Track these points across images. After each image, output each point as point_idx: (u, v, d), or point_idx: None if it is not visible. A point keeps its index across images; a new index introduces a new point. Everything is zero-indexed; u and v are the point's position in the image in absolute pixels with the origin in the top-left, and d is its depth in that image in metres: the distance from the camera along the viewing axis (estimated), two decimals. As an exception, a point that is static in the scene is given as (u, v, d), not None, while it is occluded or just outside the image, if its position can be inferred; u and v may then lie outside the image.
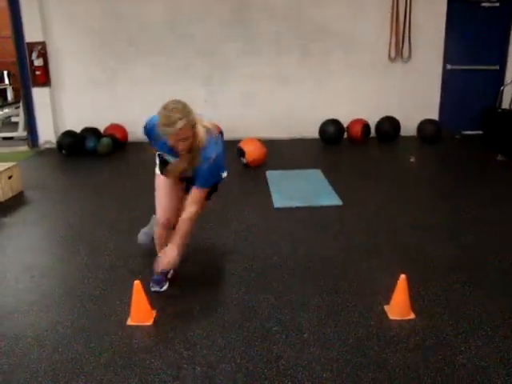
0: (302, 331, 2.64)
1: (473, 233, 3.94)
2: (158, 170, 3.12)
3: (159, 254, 2.94)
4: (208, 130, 2.80)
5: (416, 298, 2.85)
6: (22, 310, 2.94)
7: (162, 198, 3.11)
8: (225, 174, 3.07)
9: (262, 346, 2.53)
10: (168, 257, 2.84)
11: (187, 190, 2.97)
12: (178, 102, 2.66)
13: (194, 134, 2.70)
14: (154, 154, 3.12)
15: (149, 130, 2.95)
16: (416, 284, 3.02)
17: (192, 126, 2.66)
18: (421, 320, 2.72)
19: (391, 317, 2.75)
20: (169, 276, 3.18)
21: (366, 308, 2.85)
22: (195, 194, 2.85)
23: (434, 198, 5.01)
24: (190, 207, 2.84)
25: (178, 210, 3.03)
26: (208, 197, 3.04)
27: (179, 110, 2.61)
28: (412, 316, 2.74)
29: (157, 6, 7.47)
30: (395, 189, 5.25)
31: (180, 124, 2.58)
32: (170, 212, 3.08)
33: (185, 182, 3.08)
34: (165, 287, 3.12)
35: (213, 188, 3.05)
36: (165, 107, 2.64)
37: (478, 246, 3.69)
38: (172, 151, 2.84)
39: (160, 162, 3.08)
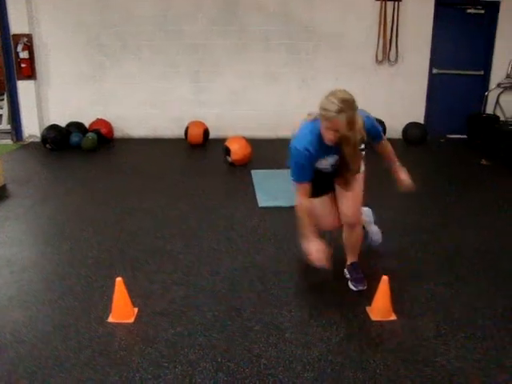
0: (284, 331, 2.65)
1: (457, 236, 3.97)
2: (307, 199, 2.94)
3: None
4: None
5: (398, 300, 2.86)
6: (0, 306, 2.90)
7: (326, 216, 3.11)
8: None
9: (243, 345, 2.52)
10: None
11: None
12: (343, 92, 2.65)
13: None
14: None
15: (306, 153, 2.73)
16: (398, 286, 3.04)
17: (351, 116, 2.60)
18: (402, 321, 2.74)
19: (373, 318, 2.76)
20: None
21: (347, 309, 2.86)
22: (387, 143, 3.06)
23: (418, 200, 5.04)
24: (389, 145, 3.08)
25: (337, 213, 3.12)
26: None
27: (342, 99, 2.58)
28: (393, 317, 2.76)
29: (147, 1, 7.42)
30: (379, 191, 5.28)
31: (342, 116, 2.56)
32: (336, 222, 3.13)
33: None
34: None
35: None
36: (330, 93, 2.62)
37: (462, 249, 3.72)
38: (332, 149, 2.77)
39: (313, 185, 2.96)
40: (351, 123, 2.60)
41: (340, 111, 2.54)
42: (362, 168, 3.03)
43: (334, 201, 3.11)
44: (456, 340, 2.56)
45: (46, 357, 2.42)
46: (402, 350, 2.48)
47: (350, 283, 3.12)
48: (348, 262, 3.21)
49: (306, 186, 2.83)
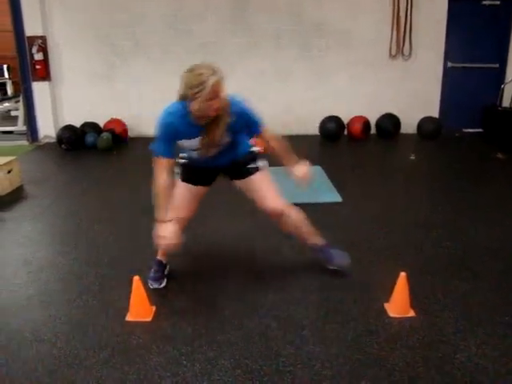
0: (302, 328, 2.64)
1: (474, 231, 3.93)
2: (180, 179, 3.00)
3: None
4: None
5: (416, 296, 2.84)
6: (19, 305, 2.93)
7: (185, 202, 2.98)
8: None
9: (261, 342, 2.52)
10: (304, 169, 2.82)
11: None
12: (202, 63, 2.59)
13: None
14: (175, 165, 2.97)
15: (166, 123, 2.68)
16: (416, 282, 3.01)
17: (222, 79, 2.54)
18: (420, 318, 2.71)
19: (391, 314, 2.74)
20: (166, 272, 3.17)
21: (365, 305, 2.85)
22: (265, 133, 2.82)
23: (433, 195, 5.00)
24: (273, 138, 2.84)
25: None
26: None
27: (207, 67, 2.53)
28: (412, 314, 2.74)
29: (157, 0, 7.44)
30: (395, 186, 5.25)
31: (213, 79, 2.49)
32: (188, 215, 3.02)
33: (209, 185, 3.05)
34: (163, 283, 3.10)
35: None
36: (190, 70, 2.55)
37: (479, 244, 3.68)
38: (198, 130, 2.68)
39: (184, 167, 2.99)
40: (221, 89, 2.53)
41: (213, 74, 2.51)
42: (264, 163, 3.00)
43: (198, 201, 3.03)
44: (476, 336, 2.53)
45: (65, 355, 2.44)
46: (421, 347, 2.46)
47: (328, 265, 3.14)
48: (314, 247, 3.18)
49: (165, 162, 2.72)
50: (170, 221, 2.70)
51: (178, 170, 3.01)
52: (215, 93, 2.52)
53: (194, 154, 2.85)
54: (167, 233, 2.67)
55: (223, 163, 2.94)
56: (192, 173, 2.98)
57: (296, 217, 3.05)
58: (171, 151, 2.74)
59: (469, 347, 2.45)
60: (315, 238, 3.16)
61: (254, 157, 2.98)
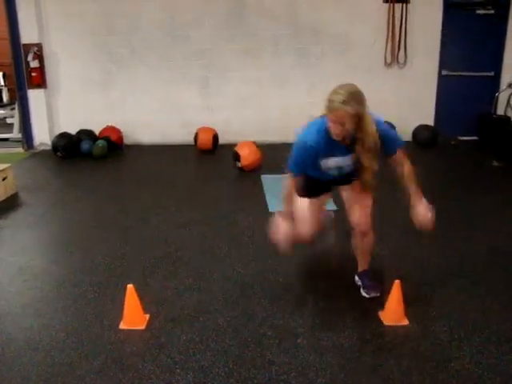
0: (296, 336, 2.63)
1: (469, 239, 3.94)
2: (300, 197, 2.99)
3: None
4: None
5: (410, 304, 2.84)
6: (14, 313, 2.92)
7: (310, 218, 3.00)
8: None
9: (255, 350, 2.51)
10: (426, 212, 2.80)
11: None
12: (347, 85, 2.58)
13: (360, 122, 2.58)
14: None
15: (309, 144, 2.65)
16: (411, 290, 3.01)
17: (355, 112, 2.51)
18: (415, 326, 2.71)
19: (385, 322, 2.74)
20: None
21: (360, 313, 2.84)
22: (400, 154, 2.78)
23: (430, 203, 5.00)
24: (406, 163, 2.80)
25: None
26: None
27: (346, 92, 2.50)
28: (406, 322, 2.74)
29: (154, 7, 7.46)
30: (390, 194, 5.24)
31: (339, 107, 2.47)
32: (314, 229, 3.03)
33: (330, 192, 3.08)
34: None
35: None
36: (335, 88, 2.56)
37: (476, 251, 3.68)
38: (342, 149, 2.69)
39: (308, 185, 2.95)
40: (358, 119, 2.53)
41: (344, 102, 2.47)
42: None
43: (322, 207, 3.09)
44: (471, 344, 2.53)
45: (59, 364, 2.43)
46: (416, 355, 2.46)
47: (362, 290, 3.07)
48: (359, 270, 3.15)
49: (297, 180, 2.82)
50: (284, 219, 2.85)
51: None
52: (338, 120, 2.52)
53: (333, 172, 2.83)
54: (280, 228, 2.84)
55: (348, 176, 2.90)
56: (312, 187, 2.96)
57: (371, 241, 3.04)
58: (304, 170, 2.79)
59: (464, 355, 2.45)
60: (365, 264, 3.13)
61: None
